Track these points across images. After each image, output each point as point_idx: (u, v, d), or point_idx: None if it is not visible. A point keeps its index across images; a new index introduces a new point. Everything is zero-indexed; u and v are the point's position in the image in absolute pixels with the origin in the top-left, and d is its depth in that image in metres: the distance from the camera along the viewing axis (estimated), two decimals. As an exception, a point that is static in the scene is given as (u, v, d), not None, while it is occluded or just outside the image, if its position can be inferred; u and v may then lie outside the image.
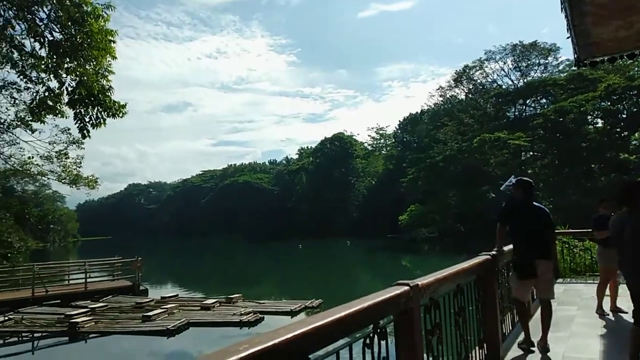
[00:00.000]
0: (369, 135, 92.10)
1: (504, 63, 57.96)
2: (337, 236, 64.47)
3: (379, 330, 2.00)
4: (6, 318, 14.68)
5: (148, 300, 17.12)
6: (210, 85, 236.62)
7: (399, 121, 78.11)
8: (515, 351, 4.62)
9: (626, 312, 5.99)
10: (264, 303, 15.99)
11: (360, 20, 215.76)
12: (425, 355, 2.52)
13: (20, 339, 13.64)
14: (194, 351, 12.30)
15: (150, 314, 13.91)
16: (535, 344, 4.60)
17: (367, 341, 1.94)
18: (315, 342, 1.55)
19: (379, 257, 40.71)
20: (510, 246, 4.93)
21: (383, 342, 2.01)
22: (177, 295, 18.22)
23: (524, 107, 54.67)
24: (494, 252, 4.54)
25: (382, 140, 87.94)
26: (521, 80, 57.10)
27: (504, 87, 58.66)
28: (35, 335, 13.65)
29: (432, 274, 2.84)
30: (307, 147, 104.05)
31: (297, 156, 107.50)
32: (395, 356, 2.26)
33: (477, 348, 3.90)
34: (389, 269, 31.66)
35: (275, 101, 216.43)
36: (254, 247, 64.43)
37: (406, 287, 2.29)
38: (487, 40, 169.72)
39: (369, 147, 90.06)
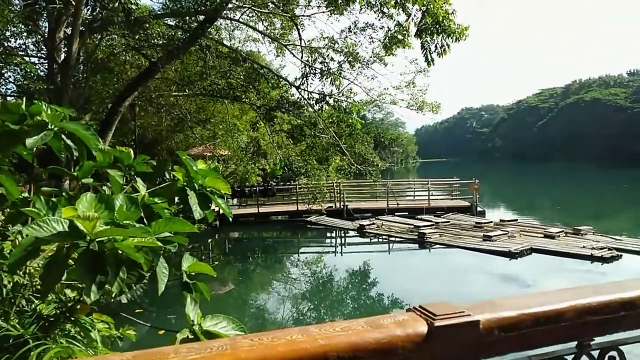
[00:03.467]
0: None
1: None
2: None
3: None
4: (371, 222, 18.22)
5: (487, 221, 17.60)
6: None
7: None
8: None
9: None
10: (621, 239, 13.75)
11: None
12: None
13: (380, 239, 16.74)
14: (532, 277, 11.99)
15: (490, 234, 14.30)
16: None
17: None
18: None
19: None
20: None
21: None
22: (516, 220, 17.96)
23: None
24: None
25: None
26: None
27: None
28: (391, 238, 16.43)
29: None
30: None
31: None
32: None
33: None
34: None
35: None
36: (603, 174, 55.47)
37: None
38: None
39: None
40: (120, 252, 1.13)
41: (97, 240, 1.09)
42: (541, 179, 54.20)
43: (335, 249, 17.98)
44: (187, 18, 12.53)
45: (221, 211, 1.95)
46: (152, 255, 1.26)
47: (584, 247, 12.67)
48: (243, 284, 13.09)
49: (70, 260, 1.19)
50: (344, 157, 15.67)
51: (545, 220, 19.35)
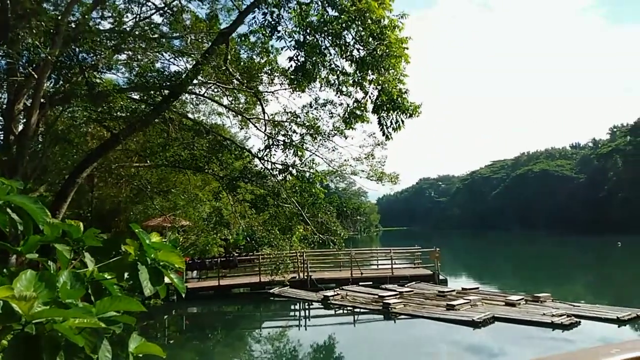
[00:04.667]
0: None
1: None
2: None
3: None
4: (335, 293, 17.88)
5: (449, 289, 17.67)
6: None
7: None
8: None
9: None
10: (578, 306, 14.07)
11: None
12: None
13: (345, 311, 16.36)
14: (497, 346, 11.96)
15: (453, 303, 14.31)
16: None
17: None
18: None
19: None
20: None
21: None
22: (477, 288, 18.12)
23: None
24: None
25: None
26: None
27: None
28: (356, 310, 16.10)
29: None
30: (622, 124, 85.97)
31: (608, 136, 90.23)
32: None
33: None
34: None
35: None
36: (555, 242, 57.68)
37: None
38: None
39: None
40: (59, 334, 1.07)
41: (33, 322, 1.04)
42: (498, 246, 55.76)
43: (299, 322, 17.38)
44: (152, 92, 12.75)
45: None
46: (94, 337, 1.20)
47: (544, 314, 12.85)
48: (200, 364, 12.27)
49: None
50: (307, 227, 15.64)
51: (505, 288, 19.63)
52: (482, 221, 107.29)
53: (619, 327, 12.11)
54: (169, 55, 12.99)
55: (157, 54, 12.67)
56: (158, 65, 12.96)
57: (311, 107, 14.36)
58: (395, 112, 10.26)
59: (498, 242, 62.67)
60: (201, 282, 20.91)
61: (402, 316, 14.60)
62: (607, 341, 10.96)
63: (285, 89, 14.27)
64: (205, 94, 14.97)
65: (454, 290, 17.35)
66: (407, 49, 9.48)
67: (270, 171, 14.94)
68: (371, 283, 20.40)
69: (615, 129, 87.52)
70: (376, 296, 16.60)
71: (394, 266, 22.01)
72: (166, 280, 1.85)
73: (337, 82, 11.94)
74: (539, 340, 11.72)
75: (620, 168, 74.77)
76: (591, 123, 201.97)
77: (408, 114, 10.19)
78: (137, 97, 13.31)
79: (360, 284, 20.28)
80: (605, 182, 77.10)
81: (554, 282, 24.09)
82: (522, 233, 78.27)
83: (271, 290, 19.25)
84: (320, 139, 14.95)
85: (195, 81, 12.89)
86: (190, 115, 16.06)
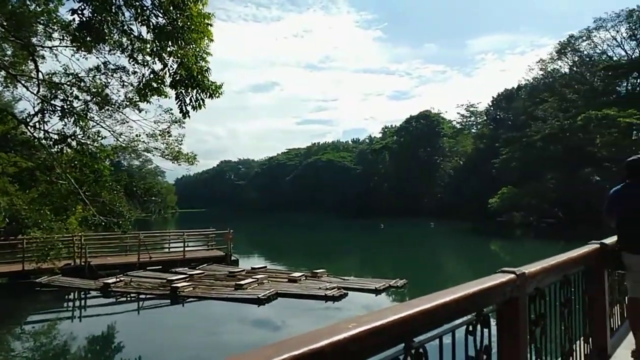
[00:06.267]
0: (457, 113, 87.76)
1: (617, 32, 51.79)
2: (420, 217, 63.19)
3: (482, 318, 1.92)
4: (117, 279, 16.48)
5: (240, 270, 18.22)
6: (296, 65, 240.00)
7: (492, 97, 73.43)
8: (625, 349, 4.22)
9: None
10: (348, 279, 16.26)
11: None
12: (528, 346, 2.39)
13: (128, 298, 15.28)
14: (280, 320, 12.98)
15: (242, 282, 14.81)
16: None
17: (470, 328, 1.88)
18: (420, 325, 1.52)
19: (465, 240, 39.31)
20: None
21: (486, 330, 1.93)
22: (265, 267, 19.15)
23: (638, 81, 48.65)
24: (604, 241, 4.13)
25: (472, 118, 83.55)
26: (637, 51, 50.67)
27: (615, 58, 52.52)
28: (141, 296, 15.19)
29: (538, 262, 2.66)
30: (392, 125, 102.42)
31: (380, 135, 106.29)
32: (498, 345, 2.17)
33: (582, 341, 3.62)
34: (475, 253, 30.47)
35: (360, 79, 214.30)
36: (336, 224, 65.41)
37: (512, 275, 2.16)
38: (597, 7, 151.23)
39: (457, 126, 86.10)
40: None
41: None
42: (288, 228, 60.15)
43: (73, 313, 15.46)
44: None
45: None
46: None
47: (319, 288, 14.45)
48: None
49: None
50: (88, 207, 13.92)
51: (290, 266, 21.33)
52: (277, 204, 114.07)
53: (376, 295, 14.49)
54: None
55: None
56: None
57: (99, 71, 12.75)
58: (196, 89, 9.92)
59: (288, 224, 67.60)
60: None
61: (191, 299, 14.43)
62: (368, 308, 13.04)
63: (67, 47, 12.32)
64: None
65: (243, 270, 17.99)
66: (210, 25, 9.22)
67: (42, 141, 12.76)
68: (161, 267, 19.53)
69: (386, 129, 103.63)
70: (164, 280, 15.97)
71: (187, 249, 21.51)
72: None
73: (131, 48, 10.89)
74: (315, 312, 13.18)
75: (387, 162, 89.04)
76: (369, 123, 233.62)
77: (208, 94, 9.97)
78: None
79: (149, 268, 19.22)
80: (376, 173, 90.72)
81: (331, 259, 27.36)
82: (311, 216, 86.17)
83: (38, 280, 16.59)
84: (109, 110, 13.50)
85: None
86: None
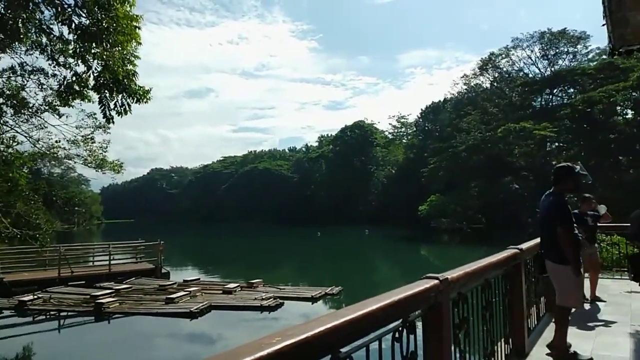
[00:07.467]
0: (389, 124, 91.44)
1: (531, 51, 56.51)
2: (356, 224, 64.43)
3: (408, 324, 1.96)
4: (35, 297, 15.16)
5: (171, 283, 17.47)
6: (232, 72, 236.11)
7: (421, 109, 77.09)
8: (540, 347, 4.53)
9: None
10: (284, 289, 16.13)
11: (383, 4, 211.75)
12: (452, 349, 2.48)
13: (48, 316, 14.10)
14: (215, 333, 12.57)
15: (173, 296, 14.19)
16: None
17: (397, 335, 1.91)
18: (347, 335, 1.52)
19: (397, 246, 40.58)
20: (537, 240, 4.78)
21: (412, 336, 1.97)
22: (199, 279, 18.51)
23: (550, 97, 53.35)
24: (521, 246, 4.43)
25: (403, 129, 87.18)
26: (549, 69, 55.63)
27: (530, 75, 57.26)
28: (62, 314, 14.08)
29: (461, 267, 2.78)
30: (327, 134, 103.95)
31: (316, 144, 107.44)
32: (424, 350, 2.23)
33: (502, 342, 3.83)
34: (406, 258, 31.53)
35: (296, 88, 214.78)
36: (273, 233, 64.94)
37: (436, 281, 2.24)
38: (515, 27, 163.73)
39: (389, 136, 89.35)
40: None
41: None
42: (223, 238, 58.79)
43: (-20, 337, 13.96)
44: None
45: None
46: None
47: (255, 299, 14.20)
48: None
49: None
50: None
51: (225, 277, 20.79)
52: (213, 214, 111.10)
53: (312, 304, 14.49)
54: None
55: None
56: None
57: (14, 72, 11.82)
58: (121, 94, 9.45)
59: (224, 234, 66.04)
60: None
61: (117, 315, 13.59)
62: (305, 317, 12.99)
63: (-25, 45, 11.25)
64: None
65: (175, 283, 17.27)
66: (138, 28, 8.84)
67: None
68: (84, 282, 18.23)
69: (322, 138, 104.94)
70: (88, 296, 14.92)
71: (113, 262, 20.27)
72: None
73: (51, 48, 10.19)
74: (250, 323, 12.93)
75: (324, 171, 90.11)
76: (306, 132, 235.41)
77: (136, 98, 9.53)
78: None
79: (70, 284, 17.87)
80: (312, 182, 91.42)
81: (267, 268, 27.06)
82: (248, 225, 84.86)
83: (-63, 301, 14.83)
84: (25, 114, 12.52)
85: None
86: None
